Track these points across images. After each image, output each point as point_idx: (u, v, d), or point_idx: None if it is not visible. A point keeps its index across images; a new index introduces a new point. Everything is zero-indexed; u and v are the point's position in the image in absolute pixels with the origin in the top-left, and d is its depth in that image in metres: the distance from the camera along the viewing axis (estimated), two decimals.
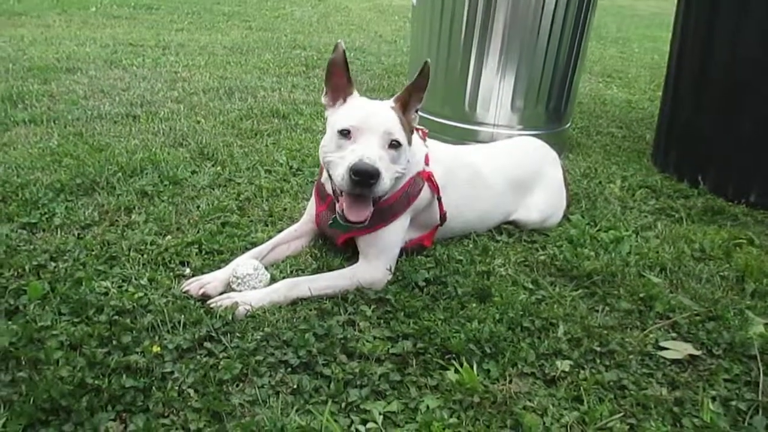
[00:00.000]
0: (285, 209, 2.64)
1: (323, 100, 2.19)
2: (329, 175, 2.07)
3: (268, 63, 5.54)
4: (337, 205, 2.02)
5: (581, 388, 1.68)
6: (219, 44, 6.23)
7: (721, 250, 2.52)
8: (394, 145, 2.02)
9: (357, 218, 1.96)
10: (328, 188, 2.22)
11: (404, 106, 2.13)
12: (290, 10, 9.23)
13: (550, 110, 3.60)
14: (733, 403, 1.67)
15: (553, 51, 3.42)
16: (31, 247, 2.16)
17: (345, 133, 1.99)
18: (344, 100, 2.14)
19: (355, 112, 2.04)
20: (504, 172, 2.59)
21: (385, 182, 1.94)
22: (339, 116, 2.07)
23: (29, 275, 1.99)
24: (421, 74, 2.10)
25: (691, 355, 1.86)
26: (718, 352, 1.89)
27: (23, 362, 1.59)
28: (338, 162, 1.96)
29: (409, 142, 2.11)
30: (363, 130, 1.98)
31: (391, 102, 2.13)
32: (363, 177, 1.87)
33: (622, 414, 1.60)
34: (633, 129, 4.44)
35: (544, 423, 1.55)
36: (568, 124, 3.86)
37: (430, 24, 3.55)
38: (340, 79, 2.12)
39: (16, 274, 2.00)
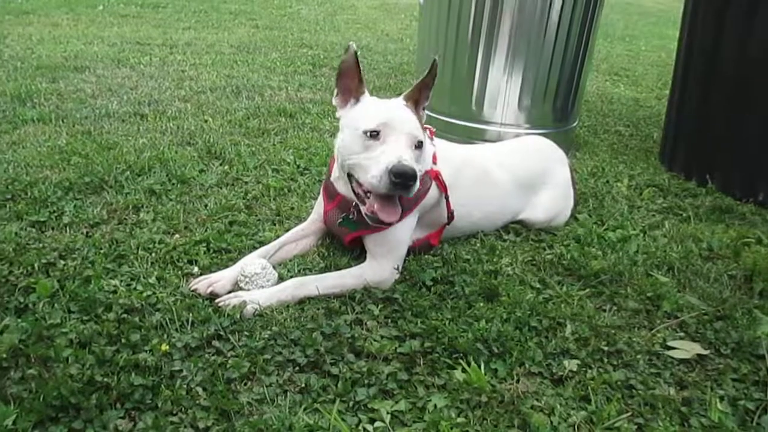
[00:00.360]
0: (292, 208, 2.64)
1: (334, 101, 2.17)
2: (350, 177, 2.05)
3: (275, 62, 5.55)
4: (363, 207, 2.01)
5: (589, 387, 1.68)
6: (226, 43, 6.24)
7: (729, 249, 2.51)
8: (418, 145, 2.02)
9: (390, 218, 1.96)
10: (339, 187, 2.22)
11: (415, 104, 2.13)
12: (297, 9, 9.24)
13: (557, 109, 3.59)
14: (742, 402, 1.67)
15: (560, 49, 3.41)
16: (40, 245, 2.17)
17: (373, 135, 1.97)
18: (357, 100, 2.13)
19: (379, 112, 2.02)
20: (511, 171, 2.59)
21: (417, 183, 1.94)
22: (360, 117, 2.04)
23: (38, 273, 2.00)
24: (429, 72, 2.10)
25: (699, 355, 1.86)
26: (726, 351, 1.88)
27: (33, 360, 1.60)
28: (368, 164, 1.94)
29: None
30: (391, 131, 1.97)
31: (402, 100, 2.13)
32: (404, 179, 1.87)
33: (629, 414, 1.60)
34: (640, 127, 4.43)
35: (551, 422, 1.55)
36: (575, 123, 3.86)
37: (437, 22, 3.54)
38: (351, 81, 2.11)
39: (25, 272, 2.01)
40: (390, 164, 1.87)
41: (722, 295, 2.17)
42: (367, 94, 2.15)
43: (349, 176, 2.07)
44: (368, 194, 1.99)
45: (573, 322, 1.96)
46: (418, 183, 1.93)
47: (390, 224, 1.99)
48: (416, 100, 2.14)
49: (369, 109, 2.06)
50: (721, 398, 1.68)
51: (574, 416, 1.57)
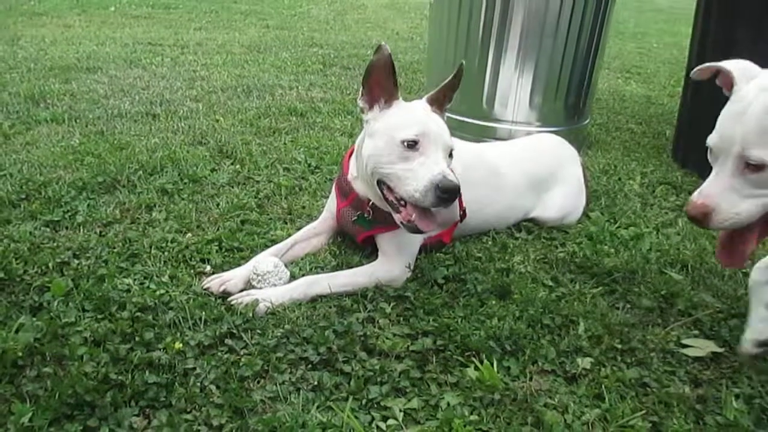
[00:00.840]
0: (304, 207, 2.65)
1: (360, 102, 2.10)
2: (380, 183, 2.03)
3: (286, 61, 5.56)
4: (398, 216, 1.99)
5: (602, 385, 1.67)
6: (237, 43, 6.26)
7: None
8: (450, 154, 2.01)
9: (429, 227, 1.96)
10: (356, 186, 2.21)
11: (440, 108, 2.11)
12: (307, 8, 9.26)
13: (568, 106, 3.58)
14: (757, 401, 1.65)
15: (572, 47, 3.40)
16: (55, 244, 2.19)
17: (411, 145, 1.94)
18: (388, 104, 2.06)
19: (416, 121, 1.98)
20: (523, 169, 2.58)
21: None
22: (395, 124, 1.99)
23: (53, 272, 2.02)
24: (455, 75, 2.08)
25: (713, 353, 1.84)
26: None
27: (48, 358, 1.62)
28: (407, 175, 1.92)
29: None
30: (429, 141, 1.94)
31: (427, 105, 2.10)
32: (451, 194, 1.87)
33: (644, 412, 1.59)
34: (652, 125, 4.41)
35: (565, 420, 1.54)
36: (587, 121, 3.84)
37: (447, 21, 3.54)
38: (383, 83, 2.03)
39: (39, 271, 2.02)
40: (435, 179, 1.86)
41: (737, 293, 2.15)
42: (401, 98, 2.10)
43: (379, 183, 2.04)
44: (401, 202, 1.97)
45: (586, 320, 1.95)
46: None
47: (426, 232, 1.99)
48: (441, 104, 2.12)
49: (405, 117, 2.01)
50: (737, 396, 1.66)
51: (587, 414, 1.57)
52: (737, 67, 1.70)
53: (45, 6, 7.69)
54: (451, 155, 2.02)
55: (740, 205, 1.56)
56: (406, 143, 1.93)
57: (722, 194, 1.57)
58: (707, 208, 1.57)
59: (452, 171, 1.93)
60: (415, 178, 1.90)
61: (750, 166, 1.53)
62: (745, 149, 1.52)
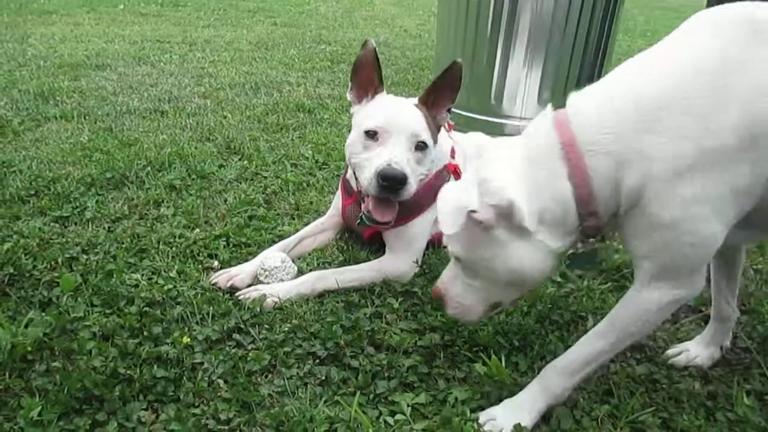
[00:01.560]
0: (311, 203, 2.65)
1: (349, 96, 2.17)
2: (355, 176, 2.07)
3: (293, 58, 5.56)
4: (363, 205, 2.03)
5: (612, 381, 1.66)
6: (244, 40, 6.28)
7: (755, 242, 2.47)
8: (420, 146, 2.00)
9: (383, 218, 1.97)
10: (353, 183, 2.22)
11: (430, 105, 2.10)
12: (315, 6, 9.26)
13: None
14: None
15: (581, 43, 3.37)
16: (64, 240, 2.20)
17: (371, 134, 1.98)
18: (372, 97, 2.11)
19: (381, 112, 2.01)
20: None
21: (412, 186, 1.94)
22: (365, 116, 2.04)
23: (62, 268, 2.03)
24: (448, 73, 2.05)
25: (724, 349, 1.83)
26: (752, 346, 1.85)
27: (57, 352, 1.62)
28: (365, 164, 1.96)
29: (435, 142, 2.09)
30: (389, 131, 1.96)
31: (415, 100, 2.11)
32: (391, 182, 1.88)
33: (654, 408, 1.57)
34: None
35: (574, 416, 1.54)
36: None
37: (456, 17, 3.52)
38: (368, 77, 2.09)
39: (49, 266, 2.03)
40: (379, 167, 1.88)
41: (748, 289, 2.14)
42: (384, 92, 2.13)
43: (355, 176, 2.07)
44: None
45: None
46: (412, 186, 1.93)
47: (385, 224, 2.00)
48: (430, 100, 2.09)
49: (373, 109, 2.05)
50: (748, 393, 1.65)
51: (597, 410, 1.56)
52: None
53: (55, 4, 7.73)
54: (421, 148, 2.00)
55: (465, 296, 1.50)
56: (367, 133, 1.98)
57: (450, 281, 1.53)
58: (439, 292, 1.54)
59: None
60: (368, 167, 1.93)
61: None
62: (446, 240, 1.46)
